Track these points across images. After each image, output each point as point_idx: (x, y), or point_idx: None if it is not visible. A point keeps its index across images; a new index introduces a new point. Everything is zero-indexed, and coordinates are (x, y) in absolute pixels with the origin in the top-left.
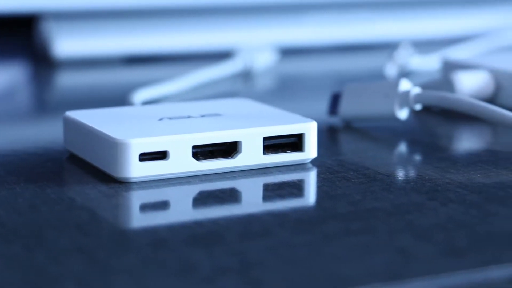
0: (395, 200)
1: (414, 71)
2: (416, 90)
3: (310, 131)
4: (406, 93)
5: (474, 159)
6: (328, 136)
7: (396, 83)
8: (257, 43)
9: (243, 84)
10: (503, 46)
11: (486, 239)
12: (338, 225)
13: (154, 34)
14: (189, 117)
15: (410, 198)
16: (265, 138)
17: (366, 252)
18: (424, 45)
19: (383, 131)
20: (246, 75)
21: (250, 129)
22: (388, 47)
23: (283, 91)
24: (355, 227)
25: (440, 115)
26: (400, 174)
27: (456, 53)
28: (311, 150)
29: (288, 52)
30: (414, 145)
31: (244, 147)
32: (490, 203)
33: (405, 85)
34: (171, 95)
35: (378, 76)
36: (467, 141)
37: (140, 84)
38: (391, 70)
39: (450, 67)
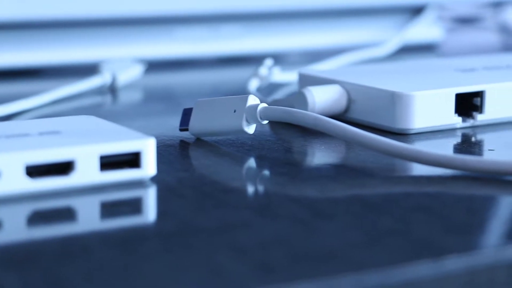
0: (224, 217)
1: (279, 84)
2: (263, 105)
3: (147, 148)
4: (253, 108)
5: (314, 174)
6: (176, 151)
7: (244, 98)
8: (124, 57)
9: (107, 98)
10: (367, 60)
11: (304, 255)
12: (160, 244)
13: (20, 48)
14: (26, 135)
15: (240, 215)
16: (101, 156)
17: (182, 271)
18: (294, 59)
19: (234, 147)
20: (111, 89)
21: (85, 146)
22: (258, 60)
23: (146, 106)
24: (177, 245)
25: (298, 129)
26: (237, 190)
27: (320, 67)
28: (149, 167)
29: (157, 66)
30: (260, 160)
31: (79, 165)
32: (317, 218)
33: (252, 100)
34: (29, 110)
35: (245, 89)
36: (313, 156)
37: None
38: (254, 84)
39: (305, 81)
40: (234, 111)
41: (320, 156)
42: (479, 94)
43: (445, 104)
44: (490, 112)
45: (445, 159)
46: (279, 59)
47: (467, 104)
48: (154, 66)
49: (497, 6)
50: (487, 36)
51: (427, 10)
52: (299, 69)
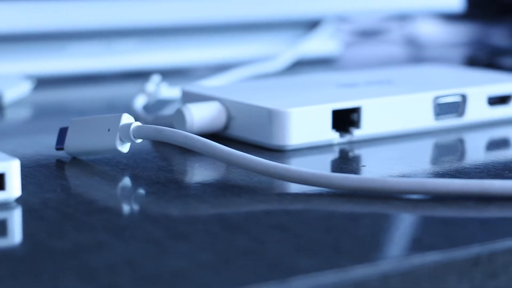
0: (79, 239)
1: (167, 101)
2: (136, 124)
3: (11, 169)
4: (126, 127)
5: (181, 193)
6: (49, 171)
7: (117, 117)
8: (14, 74)
9: None
10: (260, 74)
11: (152, 276)
12: (8, 268)
13: None
14: None
15: (95, 236)
16: None
17: None
18: (202, 73)
19: (109, 165)
20: None
21: None
22: (148, 75)
23: (31, 123)
24: (25, 269)
25: (179, 146)
26: (99, 211)
27: (209, 83)
28: (13, 189)
29: (49, 82)
30: (131, 179)
31: None
32: (172, 239)
33: (126, 119)
34: None
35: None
36: (185, 175)
37: None
38: (141, 101)
39: (188, 98)
40: (108, 130)
41: (192, 174)
42: (356, 110)
43: (321, 120)
44: (367, 127)
45: (310, 176)
46: (187, 73)
47: (346, 119)
48: (46, 82)
49: (402, 19)
50: (391, 49)
51: (323, 23)
52: (182, 86)
